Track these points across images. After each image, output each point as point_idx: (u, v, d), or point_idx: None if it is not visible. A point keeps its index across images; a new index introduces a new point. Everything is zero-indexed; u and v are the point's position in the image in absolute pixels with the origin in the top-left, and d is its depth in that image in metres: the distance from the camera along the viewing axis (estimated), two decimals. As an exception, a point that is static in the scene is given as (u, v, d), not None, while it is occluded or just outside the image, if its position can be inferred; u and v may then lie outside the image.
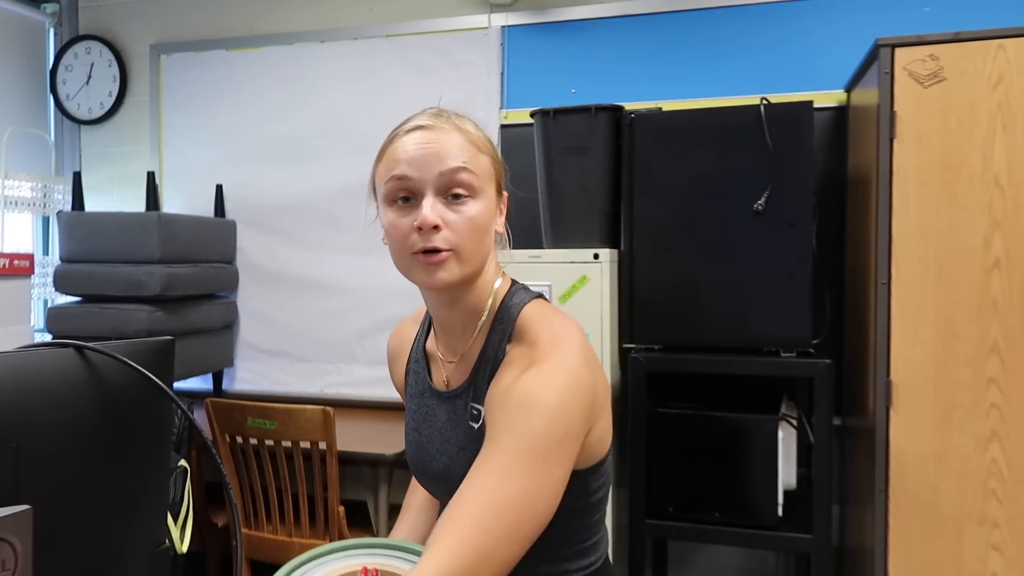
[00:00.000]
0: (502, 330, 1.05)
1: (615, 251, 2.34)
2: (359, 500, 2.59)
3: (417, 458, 1.12)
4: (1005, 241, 1.83)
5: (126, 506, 0.74)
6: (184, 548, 2.11)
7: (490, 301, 1.08)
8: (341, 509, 2.42)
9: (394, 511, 2.67)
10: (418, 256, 0.99)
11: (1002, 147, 1.82)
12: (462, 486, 0.89)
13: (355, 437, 2.59)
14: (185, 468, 2.20)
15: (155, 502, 0.78)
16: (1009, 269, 1.83)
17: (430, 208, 0.98)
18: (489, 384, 1.01)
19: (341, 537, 2.43)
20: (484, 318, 1.07)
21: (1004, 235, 1.83)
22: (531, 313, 1.04)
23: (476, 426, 1.03)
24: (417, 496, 1.29)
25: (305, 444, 2.39)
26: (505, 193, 1.11)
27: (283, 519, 2.48)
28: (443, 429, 1.08)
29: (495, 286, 1.09)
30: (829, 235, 2.50)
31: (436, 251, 0.98)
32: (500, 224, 1.09)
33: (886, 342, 1.91)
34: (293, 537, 2.48)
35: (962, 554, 1.86)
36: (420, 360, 1.16)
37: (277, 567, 2.62)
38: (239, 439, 2.48)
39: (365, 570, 0.94)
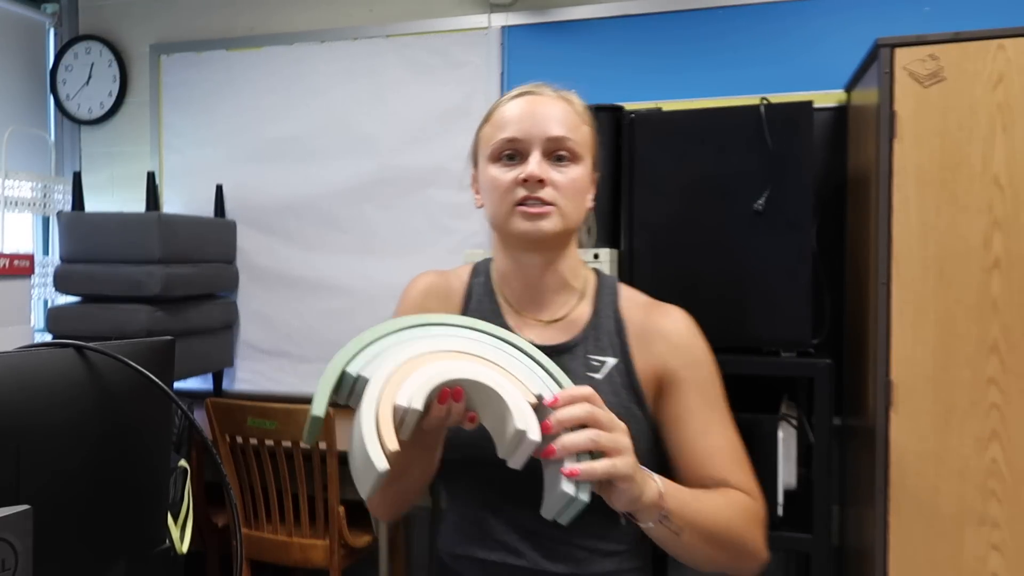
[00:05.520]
0: (609, 296, 1.14)
1: (615, 251, 2.34)
2: (359, 500, 2.59)
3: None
4: (1005, 241, 1.83)
5: (126, 506, 0.74)
6: (184, 548, 2.11)
7: (584, 271, 1.15)
8: (341, 509, 2.42)
9: (394, 511, 2.67)
10: (520, 208, 1.04)
11: (1002, 147, 1.82)
12: (708, 435, 1.06)
13: (355, 437, 2.59)
14: (185, 468, 2.20)
15: (155, 502, 0.78)
16: (1009, 269, 1.83)
17: (536, 164, 1.04)
18: (620, 340, 1.10)
19: (341, 537, 2.43)
20: (585, 286, 1.14)
21: (1004, 235, 1.83)
22: (624, 286, 1.18)
23: (599, 376, 1.07)
24: None
25: (305, 444, 2.39)
26: (597, 173, 1.14)
27: (283, 519, 2.48)
28: None
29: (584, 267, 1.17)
30: (829, 235, 2.50)
31: (539, 204, 1.03)
32: (590, 199, 1.13)
33: (886, 342, 1.90)
34: (293, 537, 2.48)
35: (962, 554, 1.86)
36: (491, 318, 1.11)
37: (277, 567, 2.63)
38: (239, 439, 2.48)
39: (446, 393, 0.82)
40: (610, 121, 2.36)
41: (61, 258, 2.84)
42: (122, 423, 0.73)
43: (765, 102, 2.08)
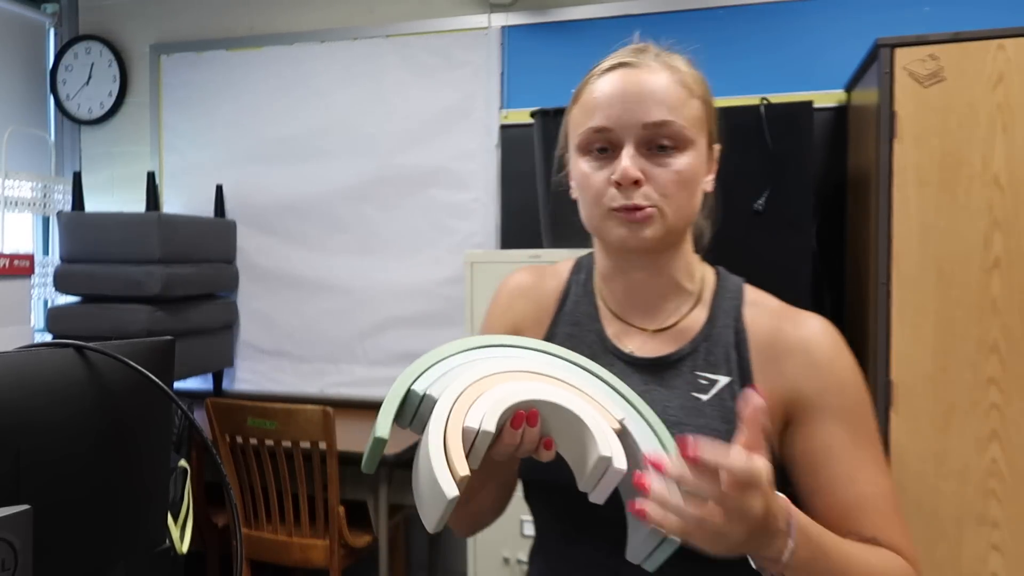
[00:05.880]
0: (730, 300, 0.94)
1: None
2: (359, 500, 2.59)
3: None
4: (1005, 241, 1.83)
5: (126, 506, 0.74)
6: (184, 548, 2.11)
7: (701, 270, 0.97)
8: (341, 509, 2.42)
9: (394, 511, 2.67)
10: (616, 212, 0.87)
11: (1002, 147, 1.82)
12: (856, 482, 0.86)
13: (355, 437, 2.59)
14: (185, 468, 2.20)
15: (155, 502, 0.78)
16: (1009, 269, 1.83)
17: (630, 160, 0.85)
18: (739, 355, 0.90)
19: (341, 537, 2.43)
20: (702, 288, 0.95)
21: (1004, 235, 1.83)
22: (752, 288, 0.96)
23: (705, 397, 0.88)
24: None
25: (305, 444, 2.39)
26: (717, 146, 0.95)
27: (283, 519, 2.48)
28: None
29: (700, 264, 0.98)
30: (829, 235, 2.50)
31: (637, 208, 0.86)
32: (709, 182, 0.94)
33: (886, 342, 1.91)
34: (293, 537, 2.48)
35: (962, 554, 1.86)
36: (586, 323, 0.97)
37: (277, 567, 2.63)
38: (239, 439, 2.48)
39: (520, 416, 0.73)
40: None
41: (61, 258, 2.85)
42: (122, 423, 0.73)
43: (765, 102, 2.09)
